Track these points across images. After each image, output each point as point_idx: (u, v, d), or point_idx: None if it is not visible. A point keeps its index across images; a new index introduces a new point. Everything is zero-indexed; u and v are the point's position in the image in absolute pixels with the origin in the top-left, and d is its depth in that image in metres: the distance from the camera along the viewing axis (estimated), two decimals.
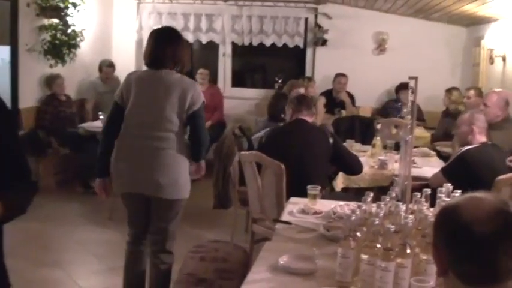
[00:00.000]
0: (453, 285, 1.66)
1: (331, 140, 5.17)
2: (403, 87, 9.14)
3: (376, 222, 2.71)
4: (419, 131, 8.41)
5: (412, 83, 3.32)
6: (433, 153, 6.86)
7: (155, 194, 4.19)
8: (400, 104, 9.33)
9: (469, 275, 1.62)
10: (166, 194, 4.18)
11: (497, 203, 1.64)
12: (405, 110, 3.50)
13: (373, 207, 3.09)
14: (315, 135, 5.22)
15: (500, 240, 1.59)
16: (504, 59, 7.78)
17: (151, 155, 4.14)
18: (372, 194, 3.15)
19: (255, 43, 10.22)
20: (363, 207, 3.01)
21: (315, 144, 5.15)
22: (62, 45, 8.44)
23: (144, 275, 4.47)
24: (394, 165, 5.56)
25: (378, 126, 6.57)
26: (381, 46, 10.05)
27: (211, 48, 10.50)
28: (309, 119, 5.31)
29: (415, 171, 5.50)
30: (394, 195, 3.22)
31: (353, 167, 5.36)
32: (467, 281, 1.62)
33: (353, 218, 2.77)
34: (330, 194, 5.22)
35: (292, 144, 5.13)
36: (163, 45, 4.23)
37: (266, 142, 5.31)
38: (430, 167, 5.73)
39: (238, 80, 10.81)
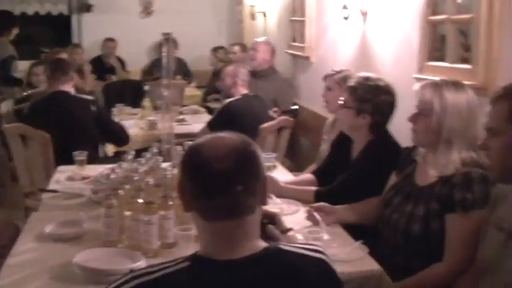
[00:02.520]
0: (195, 221, 1.71)
1: (93, 108, 5.07)
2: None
3: (136, 178, 2.72)
4: (191, 90, 8.56)
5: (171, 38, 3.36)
6: (202, 110, 7.01)
7: None
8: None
9: (208, 210, 1.65)
10: None
11: (237, 142, 1.68)
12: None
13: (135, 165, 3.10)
14: (77, 106, 5.06)
15: (238, 176, 1.63)
16: (265, 15, 8.12)
17: None
18: (133, 152, 3.16)
19: (17, 12, 9.68)
20: (123, 165, 3.01)
21: (77, 115, 4.99)
22: None
23: None
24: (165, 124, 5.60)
25: (147, 88, 6.57)
26: (146, 9, 10.00)
27: None
28: (68, 87, 5.12)
29: (185, 128, 5.63)
30: (155, 151, 3.25)
31: (119, 135, 5.25)
32: (206, 216, 1.66)
33: (113, 176, 2.76)
34: (102, 158, 5.17)
35: (55, 119, 4.92)
36: None
37: (29, 115, 5.11)
38: (199, 124, 5.83)
39: None
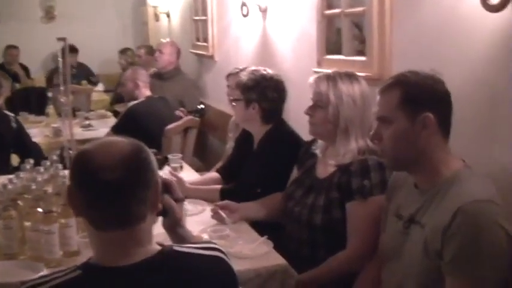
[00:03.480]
0: (86, 228, 1.65)
1: (14, 125, 4.94)
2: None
3: (34, 187, 2.67)
4: (98, 95, 8.46)
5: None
6: (109, 114, 6.93)
7: None
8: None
9: (98, 219, 1.60)
10: None
11: (126, 149, 1.61)
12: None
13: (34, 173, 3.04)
14: None
15: (128, 186, 1.58)
16: (168, 15, 8.09)
17: None
18: (32, 161, 3.10)
19: None
20: (21, 175, 2.94)
21: None
22: None
23: None
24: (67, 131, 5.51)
25: (50, 95, 6.45)
26: (49, 14, 9.81)
27: None
28: None
29: (92, 134, 5.56)
30: (55, 158, 3.20)
31: (35, 154, 5.01)
32: (96, 226, 1.61)
33: (10, 187, 2.70)
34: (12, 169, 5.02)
35: None
36: None
37: None
38: (106, 128, 5.75)
39: None
